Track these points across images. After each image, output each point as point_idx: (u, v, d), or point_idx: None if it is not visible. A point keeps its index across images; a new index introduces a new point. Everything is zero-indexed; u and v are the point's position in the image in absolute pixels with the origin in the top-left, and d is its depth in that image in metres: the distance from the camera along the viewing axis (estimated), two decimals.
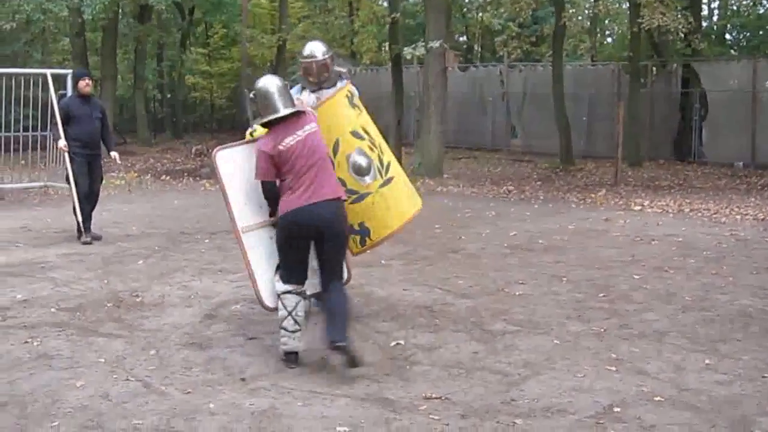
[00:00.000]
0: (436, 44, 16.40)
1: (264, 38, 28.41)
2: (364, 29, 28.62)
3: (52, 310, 6.59)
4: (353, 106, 6.17)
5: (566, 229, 10.77)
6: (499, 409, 4.53)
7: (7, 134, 14.55)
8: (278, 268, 5.37)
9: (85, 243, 9.47)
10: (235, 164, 5.56)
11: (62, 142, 9.60)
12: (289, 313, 5.28)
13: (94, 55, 26.32)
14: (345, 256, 5.65)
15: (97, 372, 5.10)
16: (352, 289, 7.07)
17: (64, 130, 9.62)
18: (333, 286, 5.38)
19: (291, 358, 5.31)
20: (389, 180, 6.17)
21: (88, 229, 9.69)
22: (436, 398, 4.67)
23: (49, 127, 13.18)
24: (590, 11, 23.47)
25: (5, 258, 8.65)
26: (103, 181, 10.48)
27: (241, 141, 5.87)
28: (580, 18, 24.64)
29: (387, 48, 26.66)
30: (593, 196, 14.33)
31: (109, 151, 10.09)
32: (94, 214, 9.93)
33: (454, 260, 8.73)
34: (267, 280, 5.42)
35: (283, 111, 5.29)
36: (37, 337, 5.83)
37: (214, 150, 5.57)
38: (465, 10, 28.33)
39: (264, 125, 5.42)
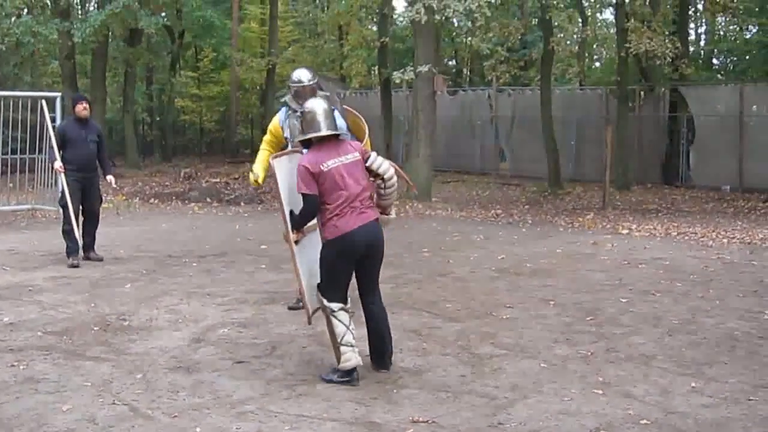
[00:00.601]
0: (425, 68, 16.47)
1: (254, 62, 28.52)
2: (354, 53, 28.80)
3: (39, 333, 6.56)
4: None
5: (554, 252, 10.80)
6: None
7: None
8: (320, 288, 5.55)
9: (72, 266, 9.46)
10: (287, 170, 5.70)
11: (58, 164, 9.66)
12: (347, 328, 5.46)
13: (84, 78, 26.39)
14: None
15: (84, 396, 5.08)
16: None
17: (60, 154, 9.70)
18: (375, 300, 5.71)
19: (355, 375, 5.41)
20: None
21: (90, 247, 9.87)
22: (423, 422, 4.67)
23: (37, 150, 13.44)
24: (578, 36, 23.66)
25: None
26: (102, 203, 10.50)
27: (291, 150, 6.27)
28: (568, 43, 24.76)
29: (376, 72, 26.79)
30: (581, 219, 14.38)
31: (105, 174, 10.14)
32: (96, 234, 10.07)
33: (442, 284, 8.74)
34: (310, 286, 5.62)
35: (324, 131, 5.54)
36: (24, 360, 5.81)
37: (271, 157, 5.89)
38: (454, 34, 28.56)
39: (304, 143, 5.73)
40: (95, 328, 6.72)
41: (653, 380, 5.44)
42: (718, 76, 30.24)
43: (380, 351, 5.68)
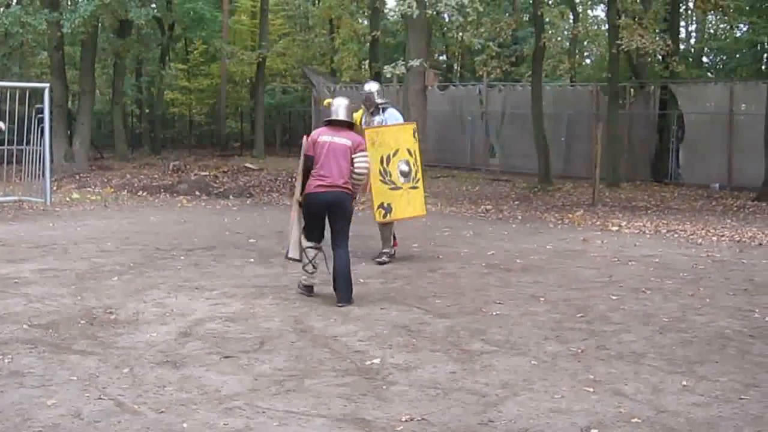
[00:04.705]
0: (416, 63, 16.39)
1: (244, 55, 28.39)
2: (345, 47, 28.70)
3: (25, 326, 6.50)
4: (414, 136, 9.74)
5: (544, 249, 10.78)
6: (477, 430, 4.49)
7: None
8: (304, 230, 7.58)
9: None
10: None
11: None
12: (310, 261, 7.55)
13: (73, 69, 26.17)
14: (348, 227, 7.61)
15: (69, 390, 5.02)
16: (332, 306, 7.09)
17: None
18: (340, 245, 7.46)
19: (308, 290, 7.62)
20: (415, 187, 9.61)
21: None
22: (413, 419, 4.63)
23: (24, 142, 13.71)
24: (569, 32, 23.62)
25: None
26: None
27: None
28: (559, 39, 24.77)
29: (367, 66, 26.71)
30: (571, 216, 14.36)
31: None
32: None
33: (432, 279, 8.71)
34: (295, 239, 7.68)
35: (334, 116, 7.61)
36: (9, 354, 5.74)
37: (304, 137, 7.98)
38: (445, 29, 28.49)
39: (325, 123, 7.74)
40: (82, 322, 6.66)
41: (644, 378, 5.41)
42: (709, 74, 30.30)
43: (341, 287, 7.33)
